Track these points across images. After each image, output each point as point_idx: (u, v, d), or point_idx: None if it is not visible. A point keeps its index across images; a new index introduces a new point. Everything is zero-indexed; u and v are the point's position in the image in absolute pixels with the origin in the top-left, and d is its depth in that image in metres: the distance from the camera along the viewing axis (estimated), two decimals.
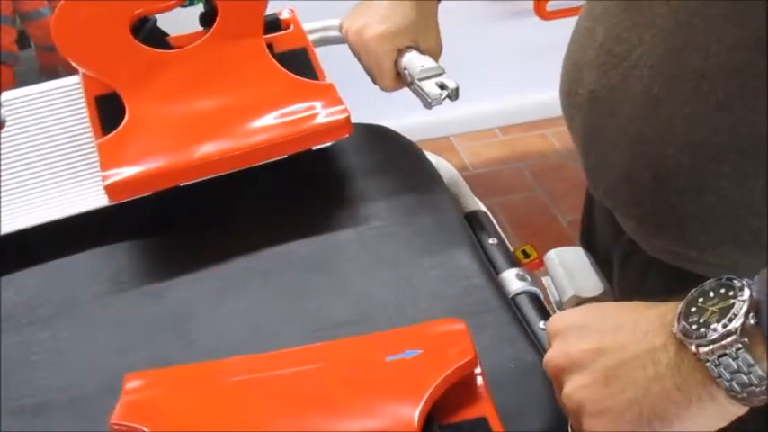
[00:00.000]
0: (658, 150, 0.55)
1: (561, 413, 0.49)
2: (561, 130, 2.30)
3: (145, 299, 0.68)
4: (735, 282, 0.41)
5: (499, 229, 0.78)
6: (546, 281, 0.68)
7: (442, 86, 0.72)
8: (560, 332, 0.48)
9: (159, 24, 0.82)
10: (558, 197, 2.05)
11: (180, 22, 0.86)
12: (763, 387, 0.39)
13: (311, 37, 0.85)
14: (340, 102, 0.75)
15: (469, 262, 0.68)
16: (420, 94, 0.74)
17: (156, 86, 0.77)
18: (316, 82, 0.78)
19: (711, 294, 0.42)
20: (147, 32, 0.79)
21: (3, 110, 0.77)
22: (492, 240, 0.75)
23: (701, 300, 0.42)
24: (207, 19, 0.81)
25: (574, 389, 0.46)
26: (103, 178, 0.70)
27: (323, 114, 0.74)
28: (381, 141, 0.85)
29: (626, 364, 0.43)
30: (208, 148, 0.72)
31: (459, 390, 0.51)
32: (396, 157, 0.83)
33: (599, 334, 0.46)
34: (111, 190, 0.70)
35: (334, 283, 0.67)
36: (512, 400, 0.54)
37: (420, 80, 0.73)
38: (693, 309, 0.42)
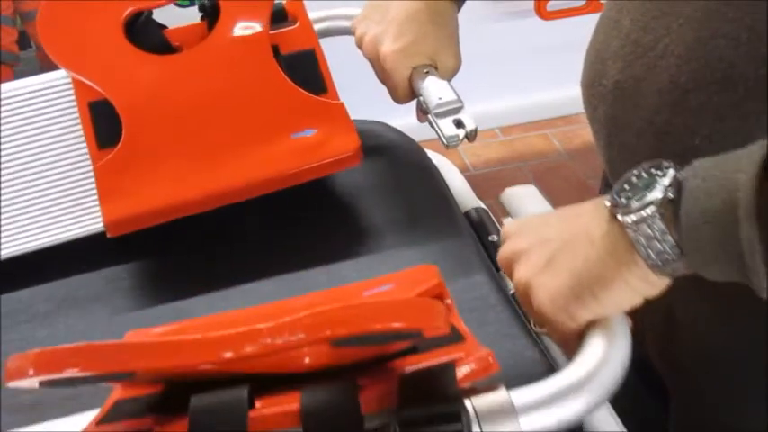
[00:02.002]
0: (685, 141, 0.55)
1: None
2: (561, 131, 2.32)
3: (144, 296, 0.68)
4: (664, 163, 0.45)
5: (500, 227, 0.78)
6: (505, 220, 0.67)
7: (459, 124, 0.68)
8: (511, 233, 0.54)
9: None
10: (558, 197, 2.05)
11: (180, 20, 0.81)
12: (675, 256, 0.43)
13: (317, 26, 0.80)
14: (350, 127, 0.71)
15: (470, 259, 0.67)
16: (435, 129, 0.69)
17: (154, 97, 0.71)
18: (327, 101, 0.73)
19: (643, 174, 0.45)
20: (142, 26, 0.74)
21: None
22: (493, 237, 0.74)
23: (633, 178, 0.46)
24: (208, 10, 0.76)
25: (521, 273, 0.51)
26: (103, 213, 0.67)
27: (333, 145, 0.70)
28: (383, 139, 0.85)
29: (567, 245, 0.49)
30: (211, 181, 0.68)
31: None
32: (397, 155, 0.82)
33: (544, 228, 0.52)
34: (110, 226, 0.67)
35: (333, 280, 0.67)
36: None
37: (436, 115, 0.68)
38: (626, 186, 0.45)
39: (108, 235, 0.67)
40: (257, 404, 0.43)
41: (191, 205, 0.68)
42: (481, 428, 0.42)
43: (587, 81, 0.66)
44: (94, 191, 0.69)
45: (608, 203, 0.46)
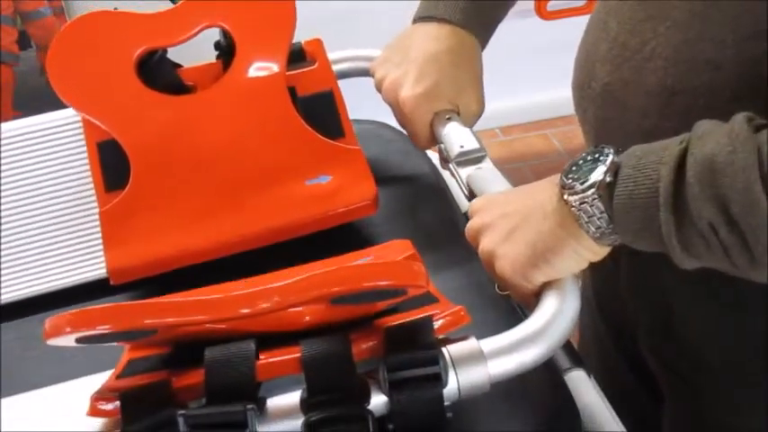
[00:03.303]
0: None
1: (560, 408, 0.49)
2: (561, 131, 2.32)
3: (143, 292, 0.68)
4: (606, 149, 0.50)
5: None
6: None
7: None
8: (478, 209, 0.59)
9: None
10: None
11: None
12: (611, 230, 0.49)
13: (336, 68, 0.77)
14: (367, 173, 0.69)
15: (469, 258, 0.67)
16: (456, 179, 0.67)
17: (164, 141, 0.68)
18: (343, 146, 0.70)
19: (588, 158, 0.51)
20: (155, 65, 0.71)
21: None
22: None
23: (580, 161, 0.51)
24: (224, 49, 0.73)
25: (486, 243, 0.57)
26: (106, 259, 0.65)
27: (349, 193, 0.68)
28: (384, 138, 0.85)
29: (524, 219, 0.55)
30: (220, 230, 0.66)
31: None
32: (397, 155, 0.82)
33: (505, 204, 0.57)
34: (114, 273, 0.65)
35: None
36: (510, 396, 0.54)
37: (458, 164, 0.66)
38: (574, 167, 0.51)
39: (111, 282, 0.66)
40: (262, 356, 0.47)
41: (198, 254, 0.66)
42: (456, 371, 0.47)
43: (577, 83, 0.66)
44: (100, 235, 0.67)
45: (557, 182, 0.52)
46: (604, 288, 0.79)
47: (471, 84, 0.72)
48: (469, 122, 0.71)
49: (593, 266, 0.55)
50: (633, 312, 0.73)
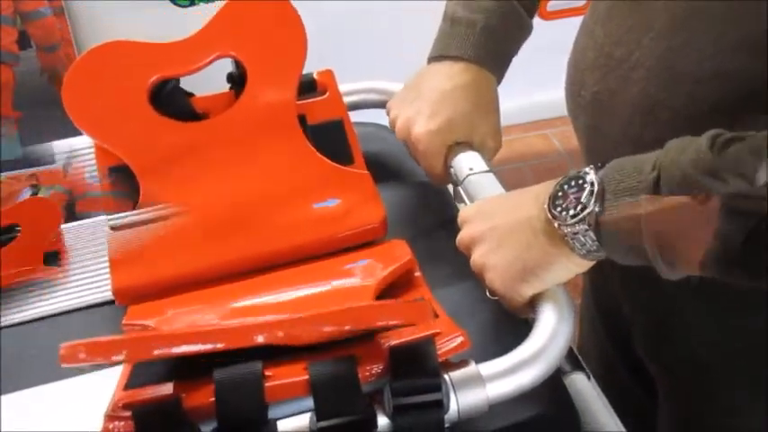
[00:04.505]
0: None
1: (558, 407, 0.49)
2: (561, 131, 2.31)
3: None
4: (586, 174, 0.52)
5: None
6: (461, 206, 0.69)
7: None
8: (467, 219, 0.61)
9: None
10: None
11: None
12: (600, 252, 0.52)
13: (348, 99, 0.79)
14: (376, 197, 0.70)
15: (468, 259, 0.67)
16: (465, 199, 0.68)
17: (175, 166, 0.70)
18: (351, 170, 0.72)
19: (572, 183, 0.52)
20: (168, 94, 0.72)
21: None
22: None
23: (565, 186, 0.53)
24: (235, 78, 0.74)
25: (477, 256, 0.58)
26: (112, 280, 0.66)
27: (356, 216, 0.69)
28: (384, 142, 0.85)
29: (512, 232, 0.56)
30: (227, 251, 0.67)
31: (402, 286, 0.63)
32: (397, 158, 0.83)
33: (493, 215, 0.59)
34: (119, 294, 0.66)
35: None
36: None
37: (465, 186, 0.67)
38: (560, 193, 0.53)
39: (116, 303, 0.66)
40: (267, 372, 0.49)
41: (205, 275, 0.67)
42: (456, 396, 0.49)
43: (570, 91, 0.66)
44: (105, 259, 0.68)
45: (546, 206, 0.53)
46: (601, 286, 0.80)
47: (486, 119, 0.72)
48: (487, 157, 0.71)
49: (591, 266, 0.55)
50: (629, 313, 0.73)
